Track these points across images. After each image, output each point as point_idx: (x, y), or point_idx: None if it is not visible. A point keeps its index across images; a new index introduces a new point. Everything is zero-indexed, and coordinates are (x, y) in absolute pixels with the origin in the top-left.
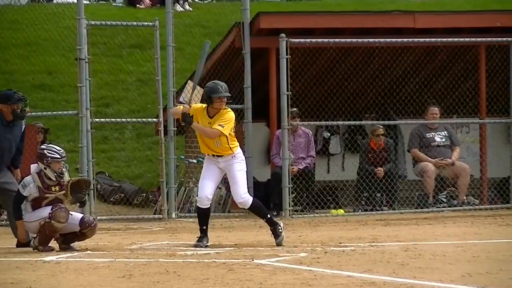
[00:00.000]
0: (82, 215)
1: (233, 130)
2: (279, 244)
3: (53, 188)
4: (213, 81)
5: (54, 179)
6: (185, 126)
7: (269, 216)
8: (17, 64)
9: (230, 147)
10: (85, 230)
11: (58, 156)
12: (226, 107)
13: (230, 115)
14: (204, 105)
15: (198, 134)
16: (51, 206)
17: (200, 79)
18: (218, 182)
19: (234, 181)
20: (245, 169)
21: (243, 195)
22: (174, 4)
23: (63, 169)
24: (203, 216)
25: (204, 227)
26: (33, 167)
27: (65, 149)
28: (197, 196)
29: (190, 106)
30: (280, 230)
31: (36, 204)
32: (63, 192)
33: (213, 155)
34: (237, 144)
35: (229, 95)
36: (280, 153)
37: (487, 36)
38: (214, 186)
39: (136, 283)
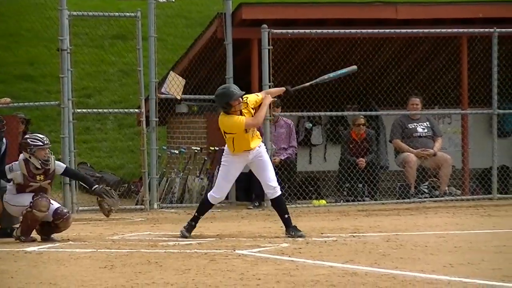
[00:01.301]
0: (58, 206)
1: None
2: (301, 237)
3: (38, 177)
4: (222, 88)
5: (40, 167)
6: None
7: (288, 215)
8: (0, 55)
9: (258, 134)
10: (57, 221)
11: (41, 144)
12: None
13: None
14: (230, 117)
15: (235, 137)
16: (33, 195)
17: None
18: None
19: (265, 167)
20: None
21: (274, 183)
22: None
23: (49, 156)
24: (205, 208)
25: (200, 217)
26: (22, 155)
27: None
28: (212, 192)
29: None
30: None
31: (20, 189)
32: (48, 181)
33: (245, 151)
34: None
35: (244, 92)
36: None
37: (469, 27)
38: (231, 186)
39: (117, 273)
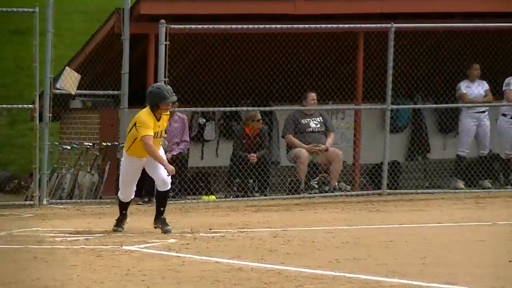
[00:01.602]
0: None
1: None
2: (167, 231)
3: None
4: (157, 87)
5: None
6: None
7: (163, 209)
8: None
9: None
10: None
11: None
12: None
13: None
14: (151, 116)
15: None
16: None
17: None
18: None
19: (159, 165)
20: None
21: (167, 176)
22: None
23: None
24: (125, 205)
25: (124, 212)
26: None
27: None
28: (120, 195)
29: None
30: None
31: None
32: None
33: (140, 157)
34: None
35: (176, 99)
36: None
37: (367, 23)
38: (134, 185)
39: (3, 270)
